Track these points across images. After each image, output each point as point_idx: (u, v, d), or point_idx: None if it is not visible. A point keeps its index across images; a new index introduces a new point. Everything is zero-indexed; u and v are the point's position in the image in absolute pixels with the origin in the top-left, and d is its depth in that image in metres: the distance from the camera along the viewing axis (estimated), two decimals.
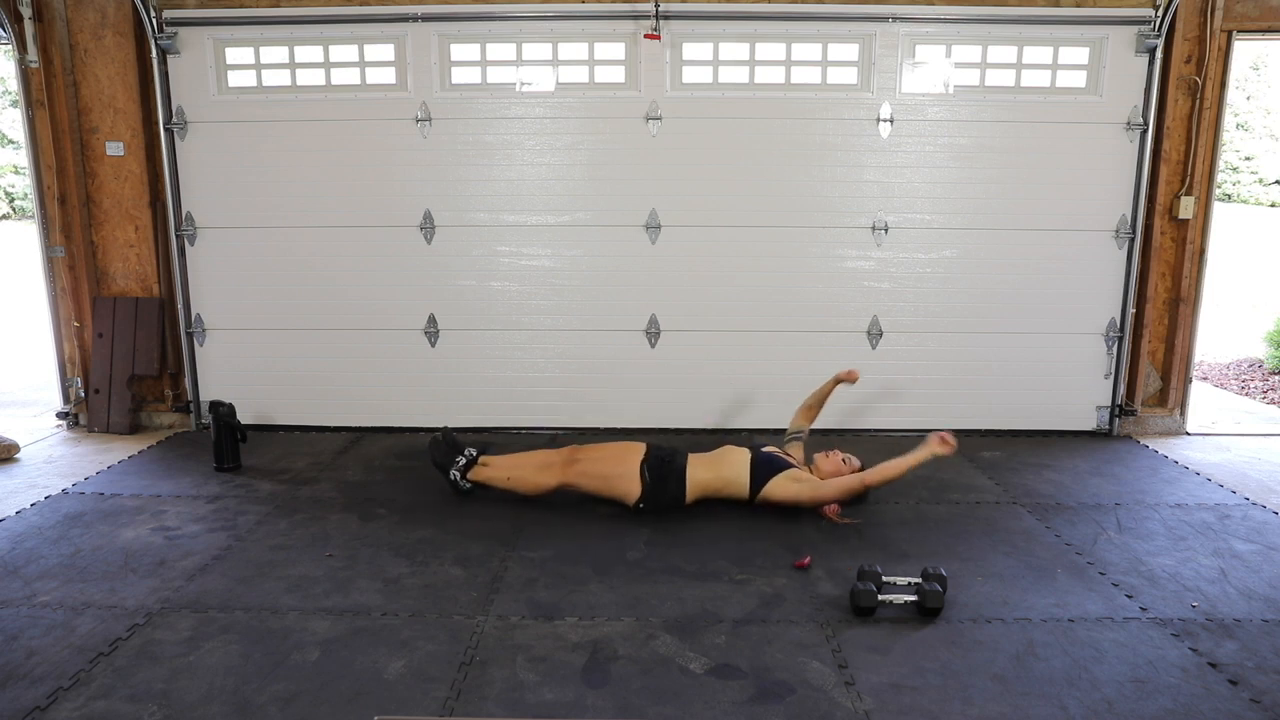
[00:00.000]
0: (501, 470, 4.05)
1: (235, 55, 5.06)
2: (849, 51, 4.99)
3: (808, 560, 3.45)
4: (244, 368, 5.34)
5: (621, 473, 3.88)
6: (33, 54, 4.91)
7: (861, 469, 3.94)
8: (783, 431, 4.42)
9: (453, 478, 4.06)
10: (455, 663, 2.72)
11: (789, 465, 3.95)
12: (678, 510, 3.92)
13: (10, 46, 4.98)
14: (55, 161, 5.04)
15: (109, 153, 5.10)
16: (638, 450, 3.94)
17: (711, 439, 4.79)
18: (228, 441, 4.58)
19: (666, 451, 3.95)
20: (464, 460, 4.06)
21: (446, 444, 4.12)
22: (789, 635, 2.90)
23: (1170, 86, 4.95)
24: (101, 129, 5.08)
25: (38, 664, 2.71)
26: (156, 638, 2.87)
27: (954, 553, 3.57)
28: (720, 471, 3.93)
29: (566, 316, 5.26)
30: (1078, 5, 4.90)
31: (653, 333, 5.28)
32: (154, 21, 4.93)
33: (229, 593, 3.19)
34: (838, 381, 4.31)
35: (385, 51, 5.03)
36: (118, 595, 3.17)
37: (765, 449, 4.04)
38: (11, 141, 18.05)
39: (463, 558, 3.49)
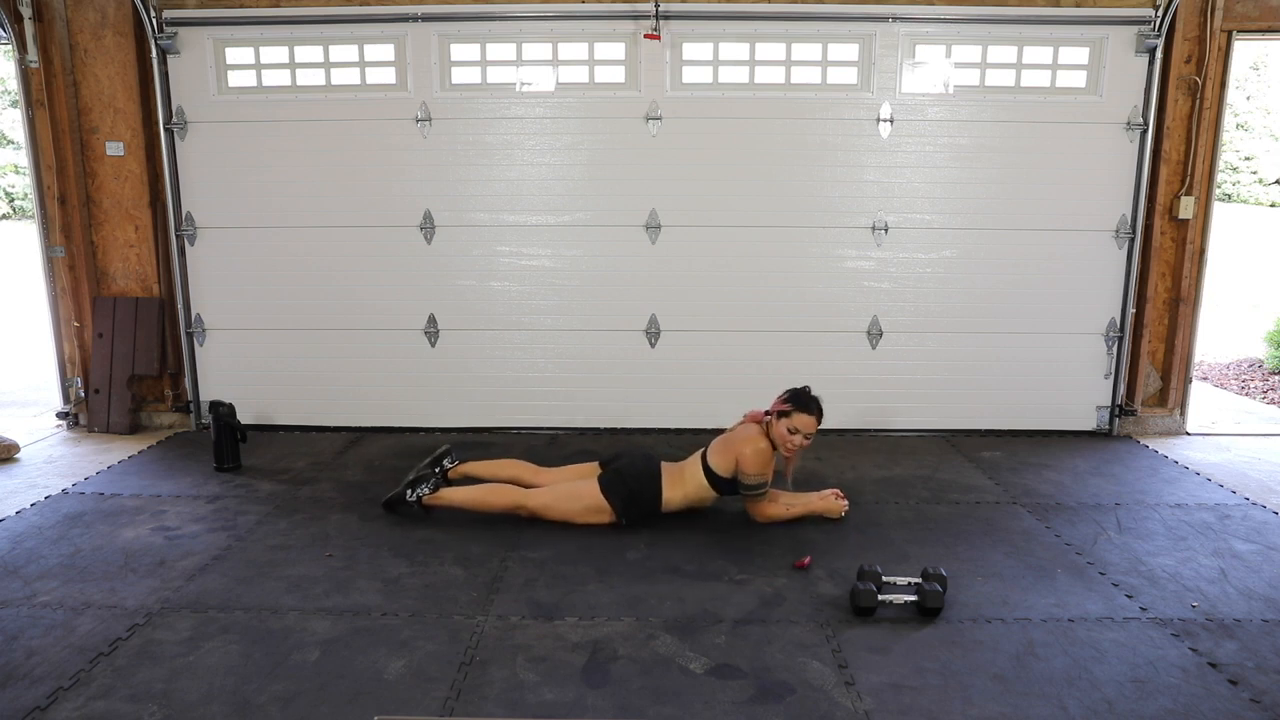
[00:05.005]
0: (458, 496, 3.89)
1: (235, 55, 5.06)
2: (849, 51, 4.99)
3: (808, 560, 3.45)
4: (244, 368, 5.34)
5: (582, 508, 3.75)
6: (33, 54, 4.91)
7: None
8: None
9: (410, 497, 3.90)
10: (455, 663, 2.72)
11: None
12: (657, 513, 3.80)
13: (10, 46, 4.98)
14: (55, 161, 5.04)
15: (109, 153, 5.10)
16: (589, 481, 3.77)
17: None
18: (228, 441, 4.58)
19: (624, 462, 3.81)
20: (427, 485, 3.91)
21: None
22: (789, 635, 2.90)
23: (1170, 86, 4.95)
24: (101, 129, 5.08)
25: (38, 664, 2.71)
26: (156, 638, 2.87)
27: (954, 553, 3.57)
28: (684, 484, 3.81)
29: (566, 316, 5.26)
30: (1078, 5, 4.90)
31: (653, 333, 5.28)
32: (154, 21, 4.93)
33: (229, 593, 3.19)
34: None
35: (385, 51, 5.03)
36: (118, 595, 3.17)
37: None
38: (11, 141, 18.06)
39: (463, 558, 3.49)
